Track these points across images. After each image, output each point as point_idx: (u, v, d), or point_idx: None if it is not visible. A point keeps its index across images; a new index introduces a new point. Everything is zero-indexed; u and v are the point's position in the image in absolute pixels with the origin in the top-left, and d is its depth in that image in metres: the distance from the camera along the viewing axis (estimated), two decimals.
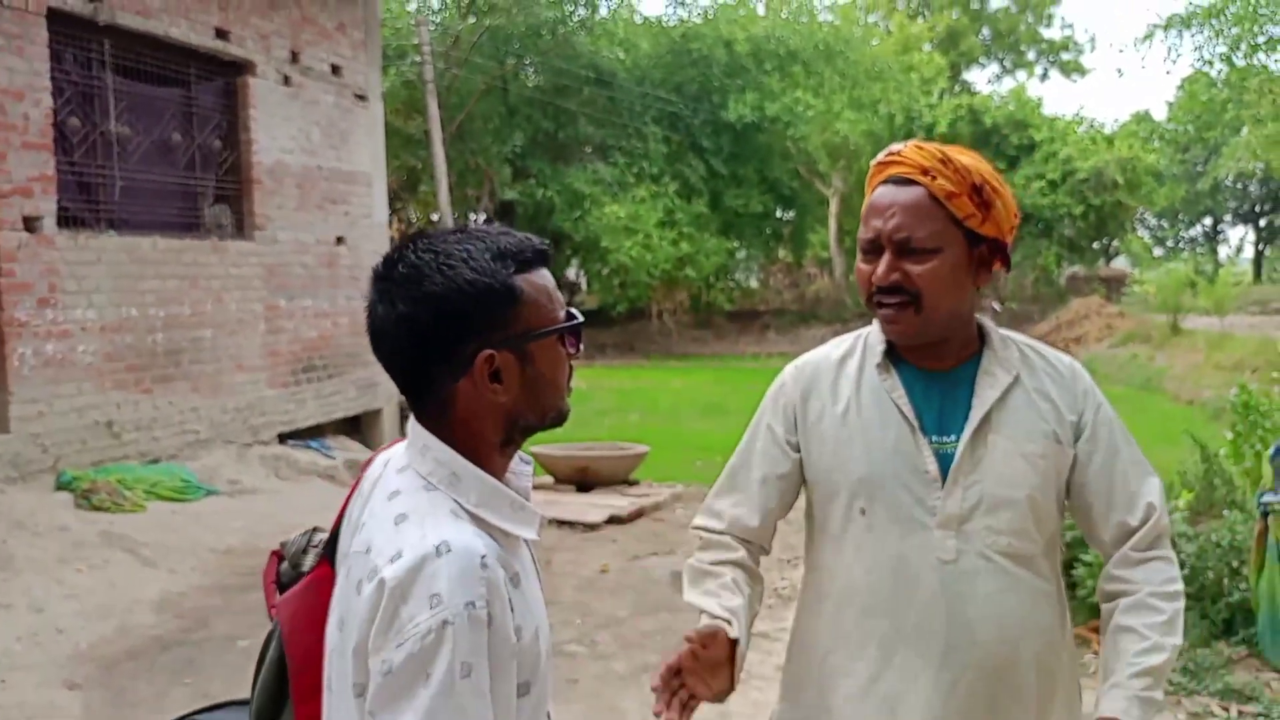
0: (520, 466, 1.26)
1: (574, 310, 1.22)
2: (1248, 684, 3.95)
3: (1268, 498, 4.19)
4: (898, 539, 1.56)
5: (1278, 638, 4.10)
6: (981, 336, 1.65)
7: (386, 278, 1.14)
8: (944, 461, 1.57)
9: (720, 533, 1.69)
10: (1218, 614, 4.37)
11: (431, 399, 1.16)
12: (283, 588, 1.32)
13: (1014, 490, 1.55)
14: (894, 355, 1.65)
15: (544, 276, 1.18)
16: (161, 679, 4.28)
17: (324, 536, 1.31)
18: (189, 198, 7.77)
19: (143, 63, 7.20)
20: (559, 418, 1.22)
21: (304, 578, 1.29)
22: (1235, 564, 4.45)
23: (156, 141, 7.46)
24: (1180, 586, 1.57)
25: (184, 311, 7.43)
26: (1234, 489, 5.56)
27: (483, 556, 1.06)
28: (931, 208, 1.54)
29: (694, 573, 1.66)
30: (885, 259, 1.56)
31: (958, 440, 1.57)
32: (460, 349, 1.12)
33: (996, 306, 24.58)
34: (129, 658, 4.51)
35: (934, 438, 1.58)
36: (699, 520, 1.74)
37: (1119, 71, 59.30)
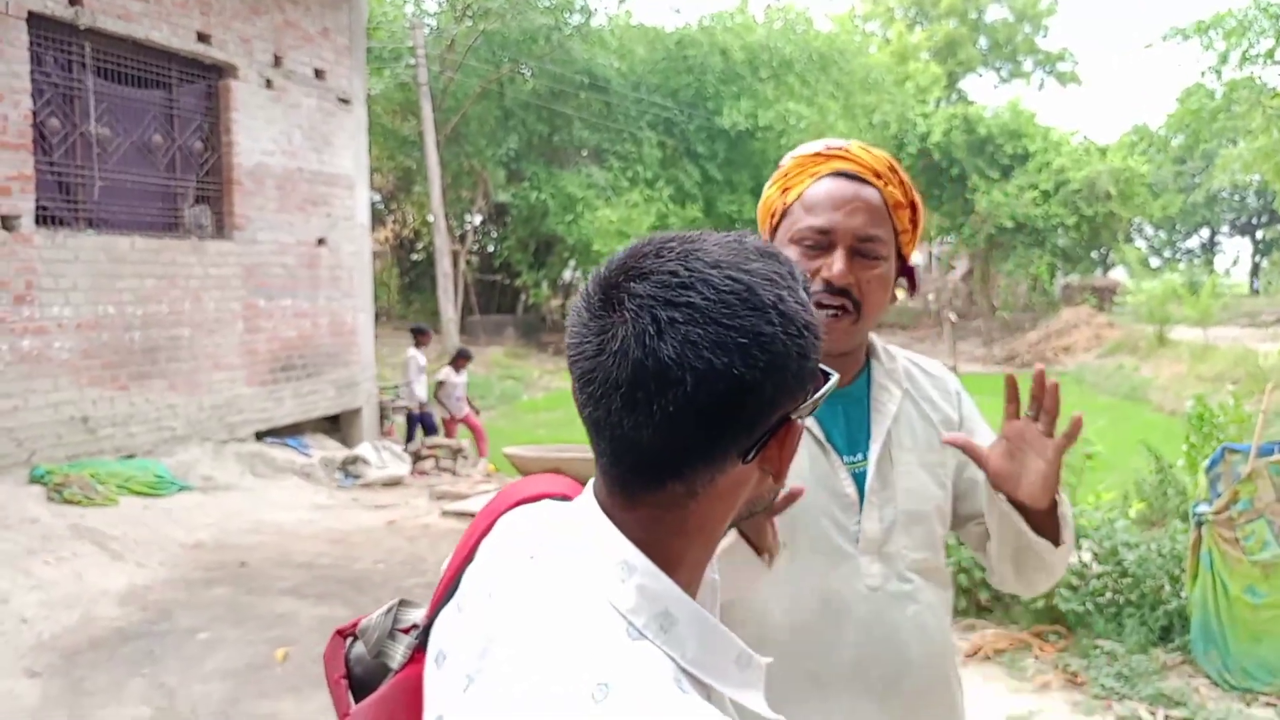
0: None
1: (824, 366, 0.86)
2: (1178, 690, 4.01)
3: (1201, 508, 4.29)
4: (824, 570, 1.44)
5: (1209, 645, 4.20)
6: (866, 349, 1.55)
7: (669, 303, 0.73)
8: (858, 482, 1.46)
9: None
10: (1155, 621, 4.43)
11: (680, 483, 0.76)
12: (356, 682, 0.96)
13: (922, 504, 1.48)
14: None
15: None
16: (120, 669, 4.37)
17: (417, 618, 0.95)
18: (169, 198, 7.87)
19: (124, 65, 7.30)
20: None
21: (388, 677, 0.93)
22: (1176, 572, 4.52)
23: (137, 142, 7.56)
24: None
25: (162, 310, 7.53)
26: (1185, 499, 5.65)
27: None
28: (884, 213, 1.44)
29: None
30: (840, 256, 1.41)
31: (866, 459, 1.47)
32: (770, 417, 0.77)
33: (953, 316, 24.52)
34: (90, 648, 4.60)
35: (846, 458, 1.47)
36: None
37: (1118, 82, 59.07)
